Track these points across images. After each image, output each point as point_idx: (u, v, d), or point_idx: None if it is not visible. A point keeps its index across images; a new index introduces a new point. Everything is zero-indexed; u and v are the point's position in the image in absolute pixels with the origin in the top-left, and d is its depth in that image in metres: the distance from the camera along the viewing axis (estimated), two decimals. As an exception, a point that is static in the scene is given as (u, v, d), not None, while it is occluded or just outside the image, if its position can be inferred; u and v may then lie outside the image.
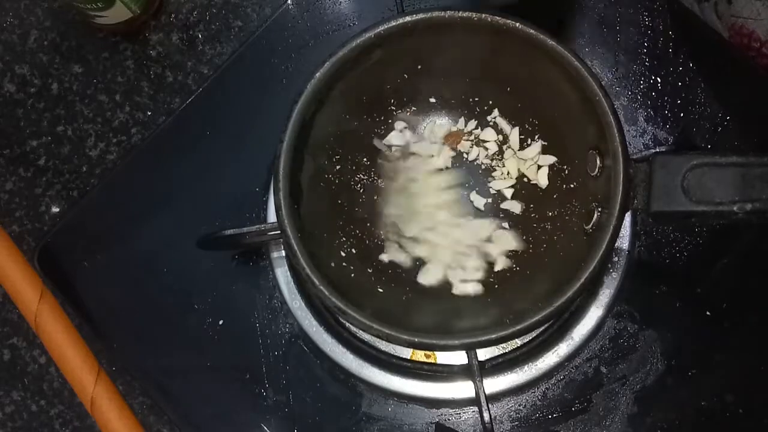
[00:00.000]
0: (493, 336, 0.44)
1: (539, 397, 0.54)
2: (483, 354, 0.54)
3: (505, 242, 0.52)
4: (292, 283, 0.55)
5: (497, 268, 0.52)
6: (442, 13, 0.48)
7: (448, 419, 0.54)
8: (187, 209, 0.58)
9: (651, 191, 0.43)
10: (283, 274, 0.56)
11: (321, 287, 0.45)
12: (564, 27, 0.59)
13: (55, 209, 0.59)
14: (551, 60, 0.47)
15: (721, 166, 0.42)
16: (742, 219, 0.42)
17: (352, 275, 0.51)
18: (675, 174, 0.42)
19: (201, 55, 0.61)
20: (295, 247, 0.46)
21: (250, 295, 0.56)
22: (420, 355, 0.54)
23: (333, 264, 0.50)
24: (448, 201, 0.54)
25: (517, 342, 0.54)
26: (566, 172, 0.52)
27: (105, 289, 0.57)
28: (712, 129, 0.57)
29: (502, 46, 0.48)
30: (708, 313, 0.54)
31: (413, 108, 0.55)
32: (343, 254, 0.51)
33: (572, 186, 0.51)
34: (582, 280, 0.44)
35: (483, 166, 0.55)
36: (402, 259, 0.53)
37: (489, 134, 0.54)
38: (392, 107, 0.54)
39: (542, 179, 0.53)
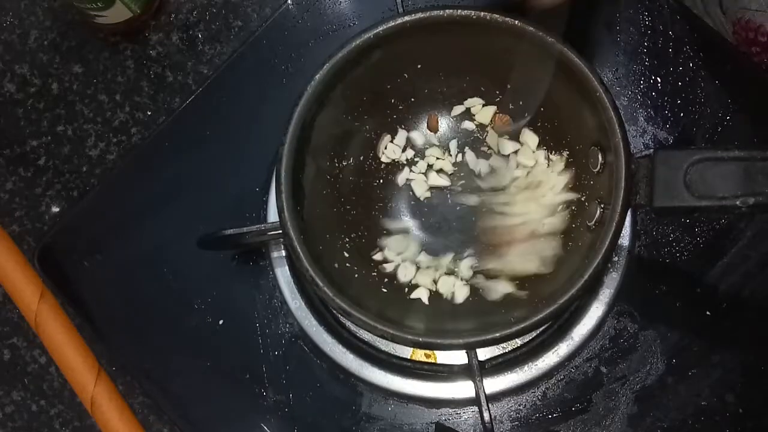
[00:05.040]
0: (497, 335, 0.44)
1: (539, 397, 0.54)
2: (483, 354, 0.54)
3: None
4: (292, 283, 0.55)
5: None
6: (441, 13, 0.48)
7: (448, 419, 0.54)
8: (187, 209, 0.58)
9: (653, 187, 0.43)
10: (283, 274, 0.56)
11: (325, 289, 0.45)
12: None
13: (55, 209, 0.59)
14: (551, 57, 0.47)
15: (723, 160, 0.42)
16: (746, 213, 0.42)
17: (356, 276, 0.51)
18: (677, 169, 0.42)
19: (201, 55, 0.61)
20: (299, 250, 0.46)
21: (250, 295, 0.56)
22: (420, 355, 0.54)
23: (336, 265, 0.49)
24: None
25: (517, 342, 0.54)
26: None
27: (105, 289, 0.57)
28: (712, 129, 0.57)
29: (502, 44, 0.48)
30: (708, 313, 0.54)
31: (413, 107, 0.55)
32: (346, 255, 0.51)
33: (574, 183, 0.51)
34: (586, 276, 0.44)
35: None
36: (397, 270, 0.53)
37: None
38: (392, 107, 0.54)
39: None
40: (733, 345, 0.54)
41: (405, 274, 0.52)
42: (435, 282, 0.52)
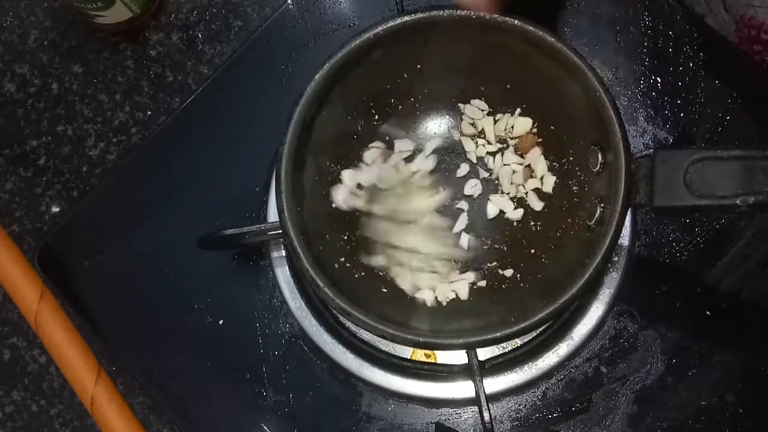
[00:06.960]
0: (497, 334, 0.44)
1: (539, 397, 0.54)
2: (483, 354, 0.54)
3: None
4: (292, 283, 0.55)
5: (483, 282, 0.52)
6: (441, 13, 0.48)
7: (448, 419, 0.54)
8: (187, 209, 0.58)
9: (653, 186, 0.43)
10: (283, 274, 0.56)
11: (325, 289, 0.45)
12: (563, 26, 0.59)
13: (55, 209, 0.59)
14: (550, 56, 0.47)
15: (723, 159, 0.41)
16: (746, 212, 0.42)
17: (356, 276, 0.51)
18: (677, 169, 0.42)
19: (201, 55, 0.61)
20: (299, 250, 0.46)
21: (250, 295, 0.56)
22: (420, 355, 0.54)
23: (336, 265, 0.50)
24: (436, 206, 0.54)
25: (517, 342, 0.54)
26: (568, 168, 0.52)
27: (105, 289, 0.57)
28: (712, 129, 0.57)
29: (502, 44, 0.48)
30: (708, 313, 0.54)
31: (413, 107, 0.55)
32: (346, 255, 0.51)
33: (574, 183, 0.51)
34: (586, 276, 0.44)
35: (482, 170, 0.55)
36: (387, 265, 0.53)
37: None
38: (392, 107, 0.54)
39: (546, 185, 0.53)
40: (733, 345, 0.54)
41: (404, 282, 0.52)
42: (434, 290, 0.52)
